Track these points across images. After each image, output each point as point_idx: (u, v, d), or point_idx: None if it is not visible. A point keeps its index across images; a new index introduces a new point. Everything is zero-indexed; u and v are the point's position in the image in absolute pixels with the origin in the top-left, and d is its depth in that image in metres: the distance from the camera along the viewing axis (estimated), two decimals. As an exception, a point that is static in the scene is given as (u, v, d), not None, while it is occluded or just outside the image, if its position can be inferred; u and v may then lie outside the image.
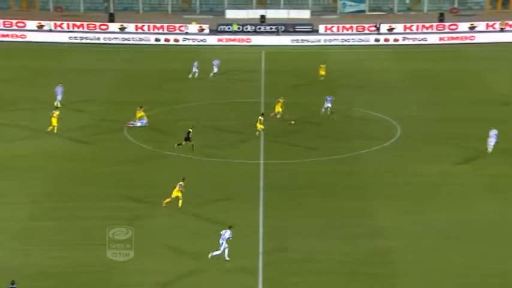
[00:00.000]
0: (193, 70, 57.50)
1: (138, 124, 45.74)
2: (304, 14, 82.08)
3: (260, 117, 43.34)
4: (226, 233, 29.07)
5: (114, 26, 75.76)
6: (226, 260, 28.82)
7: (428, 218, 32.66)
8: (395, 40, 73.40)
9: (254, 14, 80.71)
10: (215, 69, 57.90)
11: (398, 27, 74.80)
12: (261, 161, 40.00)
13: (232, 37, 74.19)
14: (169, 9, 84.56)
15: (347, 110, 48.83)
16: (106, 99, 52.30)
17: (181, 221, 32.54)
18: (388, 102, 51.00)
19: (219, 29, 76.43)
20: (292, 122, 43.38)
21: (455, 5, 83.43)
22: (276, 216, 32.88)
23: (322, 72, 56.51)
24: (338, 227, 31.70)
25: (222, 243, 28.91)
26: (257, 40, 73.60)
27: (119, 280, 27.70)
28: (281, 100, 46.84)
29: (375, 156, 40.86)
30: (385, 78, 58.56)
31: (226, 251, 28.88)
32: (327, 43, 73.10)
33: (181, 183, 33.47)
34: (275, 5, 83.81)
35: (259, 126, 43.09)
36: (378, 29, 75.18)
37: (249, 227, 31.78)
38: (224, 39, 73.86)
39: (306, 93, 54.12)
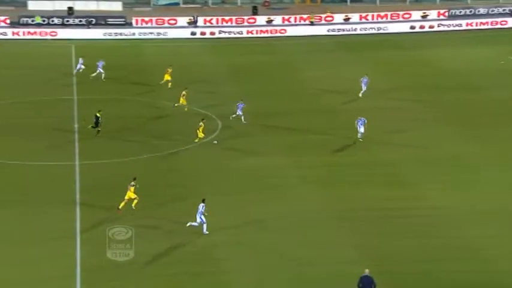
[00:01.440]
0: (78, 67, 54.92)
1: None
2: (116, 6, 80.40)
3: (201, 123, 41.51)
4: (200, 207, 30.71)
5: None
6: (205, 233, 30.63)
7: (250, 211, 33.28)
8: (212, 33, 74.20)
9: (60, 5, 77.62)
10: (100, 70, 54.93)
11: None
12: (76, 162, 38.64)
13: (35, 30, 70.84)
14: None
15: (167, 105, 48.41)
16: None
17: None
18: (207, 97, 51.19)
19: (20, 22, 72.71)
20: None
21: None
22: (94, 220, 31.90)
23: (168, 77, 52.56)
24: (158, 227, 31.29)
25: (200, 217, 30.62)
26: (65, 33, 71.02)
27: None
28: (185, 93, 46.78)
29: (197, 152, 40.87)
30: (204, 72, 58.93)
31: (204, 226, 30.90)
32: (142, 36, 72.26)
33: (132, 183, 32.99)
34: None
35: (200, 134, 41.28)
36: (195, 22, 75.50)
37: (65, 231, 30.64)
38: (26, 33, 70.44)
39: (122, 88, 52.94)
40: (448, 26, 77.10)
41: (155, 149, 40.93)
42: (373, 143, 41.49)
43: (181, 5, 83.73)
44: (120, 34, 72.07)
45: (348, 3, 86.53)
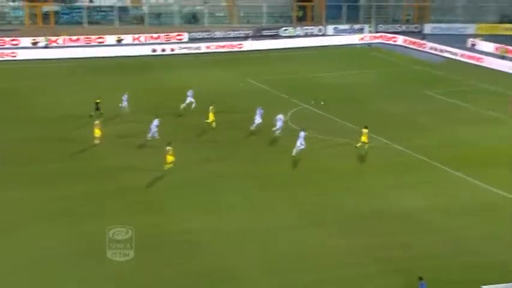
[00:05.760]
0: (189, 100, 51.40)
1: None
2: None
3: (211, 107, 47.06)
4: (302, 134, 40.83)
5: None
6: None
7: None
8: None
9: None
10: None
11: None
12: None
13: None
14: None
15: None
16: None
17: None
18: None
19: None
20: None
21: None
22: None
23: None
24: None
25: (302, 142, 40.46)
26: None
27: None
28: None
29: None
30: None
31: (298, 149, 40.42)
32: None
33: (168, 148, 38.64)
34: None
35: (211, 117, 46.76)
36: None
37: None
38: None
39: None
40: (189, 48, 79.04)
41: None
42: (120, 170, 40.51)
43: None
44: None
45: (85, 25, 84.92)
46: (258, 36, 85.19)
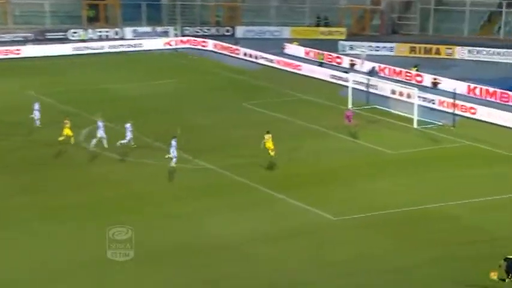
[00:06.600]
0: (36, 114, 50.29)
1: None
2: None
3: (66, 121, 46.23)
4: (174, 142, 41.74)
5: None
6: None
7: None
8: None
9: None
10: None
11: None
12: None
13: None
14: None
15: None
16: None
17: None
18: None
19: None
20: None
21: None
22: None
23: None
24: None
25: (174, 150, 41.67)
26: None
27: None
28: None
29: None
30: None
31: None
32: None
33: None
34: None
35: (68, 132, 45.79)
36: None
37: None
38: None
39: None
40: None
41: None
42: None
43: None
44: None
45: None
46: (40, 40, 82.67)
